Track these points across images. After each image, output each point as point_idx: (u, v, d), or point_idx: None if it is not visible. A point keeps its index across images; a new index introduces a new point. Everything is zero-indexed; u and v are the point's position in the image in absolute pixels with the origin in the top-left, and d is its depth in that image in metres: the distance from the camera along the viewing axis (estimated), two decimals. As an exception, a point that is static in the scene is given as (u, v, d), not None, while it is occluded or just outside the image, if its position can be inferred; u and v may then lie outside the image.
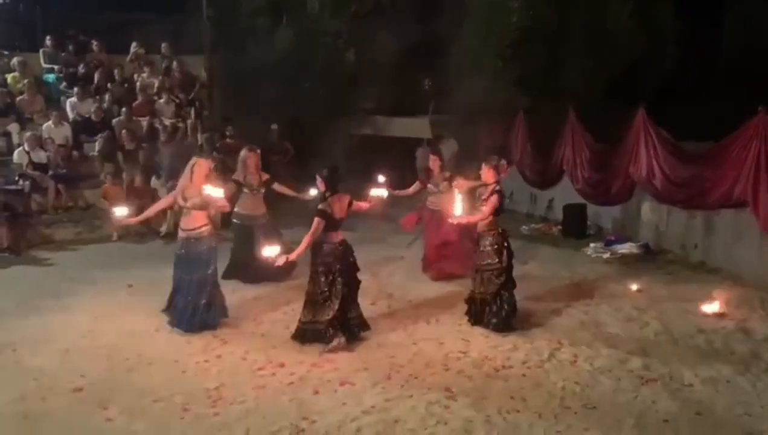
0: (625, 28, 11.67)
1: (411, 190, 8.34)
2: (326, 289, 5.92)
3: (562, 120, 11.15)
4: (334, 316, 5.91)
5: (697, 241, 8.92)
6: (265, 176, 8.09)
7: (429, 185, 8.17)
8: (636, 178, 9.66)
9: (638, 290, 7.73)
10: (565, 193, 11.13)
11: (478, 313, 6.59)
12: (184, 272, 6.46)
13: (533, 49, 11.79)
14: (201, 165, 6.40)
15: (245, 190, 8.01)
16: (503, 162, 6.85)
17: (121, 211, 6.29)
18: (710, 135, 8.69)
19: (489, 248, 6.47)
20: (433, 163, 8.13)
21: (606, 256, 9.32)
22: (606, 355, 5.92)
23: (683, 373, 5.54)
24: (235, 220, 8.10)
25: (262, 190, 8.07)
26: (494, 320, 6.45)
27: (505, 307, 6.46)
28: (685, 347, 6.14)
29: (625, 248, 9.43)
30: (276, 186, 8.15)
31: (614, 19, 11.83)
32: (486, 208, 6.43)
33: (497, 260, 6.44)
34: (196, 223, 6.40)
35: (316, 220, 5.83)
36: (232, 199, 7.68)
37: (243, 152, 8.11)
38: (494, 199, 6.38)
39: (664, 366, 5.69)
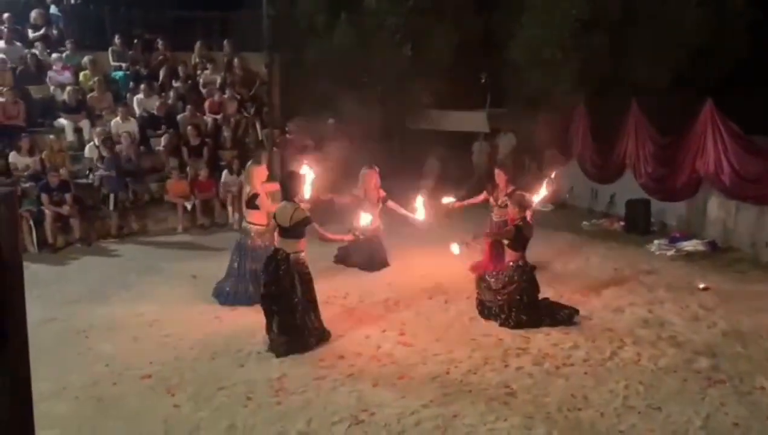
0: (693, 16, 11.22)
1: (479, 199, 8.25)
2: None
3: (624, 112, 10.87)
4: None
5: (769, 239, 8.57)
6: (382, 193, 8.50)
7: (491, 199, 8.07)
8: (703, 172, 9.34)
9: (705, 289, 7.49)
10: (627, 188, 10.86)
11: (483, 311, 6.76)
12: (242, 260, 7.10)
13: (595, 40, 11.50)
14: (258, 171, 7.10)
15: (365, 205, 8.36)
16: (528, 197, 7.08)
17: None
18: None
19: (504, 277, 6.62)
20: (499, 177, 7.99)
21: (671, 253, 9.05)
22: (671, 355, 5.77)
23: (754, 376, 5.35)
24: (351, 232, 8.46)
25: (380, 206, 8.48)
26: (502, 316, 6.55)
27: (513, 310, 6.49)
28: (756, 349, 5.92)
29: (691, 245, 9.14)
30: (390, 204, 8.51)
31: (681, 6, 11.41)
32: (502, 234, 6.79)
33: (504, 288, 6.57)
34: (259, 219, 6.99)
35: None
36: (349, 211, 8.41)
37: (362, 170, 8.54)
38: (510, 229, 6.63)
39: (733, 368, 5.51)
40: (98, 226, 10.40)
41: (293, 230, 5.98)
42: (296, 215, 5.94)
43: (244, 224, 7.30)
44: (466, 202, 8.36)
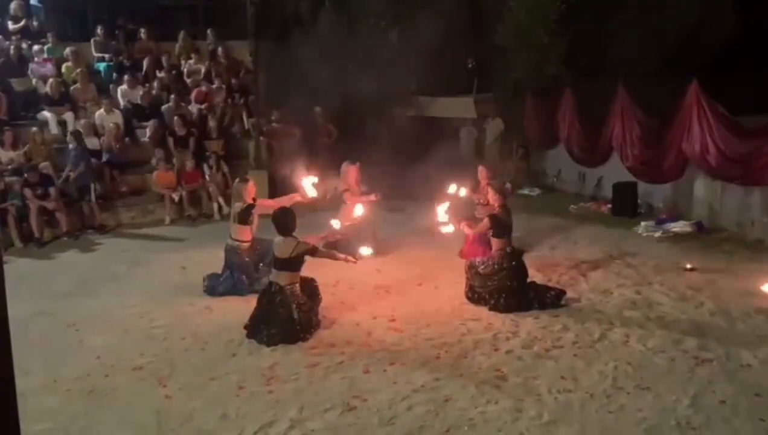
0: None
1: (468, 196, 8.27)
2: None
3: (611, 96, 10.89)
4: None
5: (755, 219, 8.64)
6: (363, 188, 8.50)
7: (473, 196, 8.08)
8: (689, 154, 9.40)
9: (692, 269, 7.55)
10: (614, 171, 10.90)
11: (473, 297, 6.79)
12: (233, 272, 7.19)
13: (582, 23, 11.51)
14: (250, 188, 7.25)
15: (347, 202, 8.37)
16: (508, 186, 7.04)
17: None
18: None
19: (493, 264, 6.63)
20: (481, 174, 8.04)
21: (658, 234, 9.12)
22: (659, 336, 5.83)
23: (741, 354, 5.41)
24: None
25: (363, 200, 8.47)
26: (492, 301, 6.56)
27: (503, 295, 6.52)
28: (743, 327, 5.99)
29: (678, 227, 9.20)
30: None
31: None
32: (479, 227, 6.82)
33: (494, 275, 6.57)
34: (247, 236, 7.18)
35: None
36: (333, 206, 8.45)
37: (344, 165, 8.50)
38: (485, 222, 6.69)
39: (721, 346, 5.57)
40: (86, 219, 10.32)
41: (292, 262, 6.00)
42: (299, 248, 5.97)
43: (230, 242, 7.23)
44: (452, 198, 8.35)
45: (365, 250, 6.41)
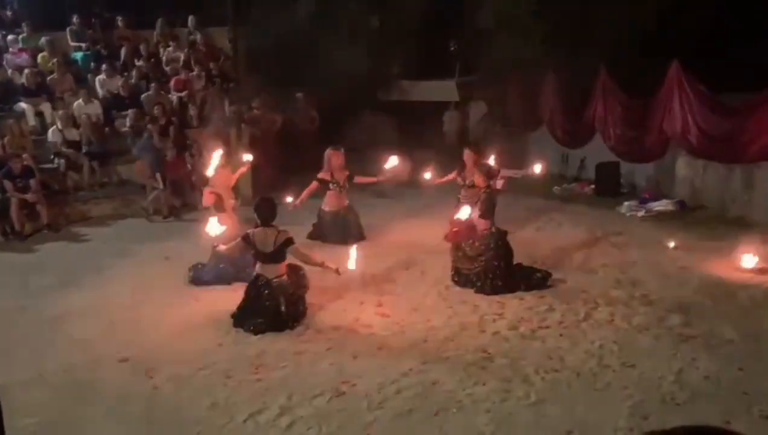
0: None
1: (449, 177, 8.29)
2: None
3: (593, 77, 10.91)
4: None
5: (735, 196, 8.74)
6: (346, 173, 8.51)
7: (459, 178, 8.08)
8: (670, 133, 9.46)
9: (675, 247, 7.63)
10: (597, 152, 10.95)
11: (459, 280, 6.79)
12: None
13: (563, 4, 11.50)
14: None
15: (331, 186, 8.40)
16: (494, 167, 7.17)
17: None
18: (755, 86, 8.38)
19: (479, 245, 6.64)
20: (468, 157, 7.98)
21: (641, 214, 9.19)
22: (643, 313, 5.89)
23: (724, 330, 5.49)
24: (321, 216, 8.56)
25: (347, 186, 8.50)
26: (478, 283, 6.57)
27: (489, 277, 6.52)
28: (726, 303, 6.07)
29: (661, 205, 9.29)
30: (357, 179, 8.59)
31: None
32: (476, 215, 6.66)
33: (481, 256, 6.59)
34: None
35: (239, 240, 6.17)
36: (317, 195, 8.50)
37: (327, 151, 8.50)
38: (486, 200, 6.65)
39: (704, 323, 5.64)
40: (68, 211, 10.19)
41: (275, 254, 5.98)
42: (280, 238, 5.94)
43: None
44: (437, 181, 8.46)
45: (351, 264, 6.32)
